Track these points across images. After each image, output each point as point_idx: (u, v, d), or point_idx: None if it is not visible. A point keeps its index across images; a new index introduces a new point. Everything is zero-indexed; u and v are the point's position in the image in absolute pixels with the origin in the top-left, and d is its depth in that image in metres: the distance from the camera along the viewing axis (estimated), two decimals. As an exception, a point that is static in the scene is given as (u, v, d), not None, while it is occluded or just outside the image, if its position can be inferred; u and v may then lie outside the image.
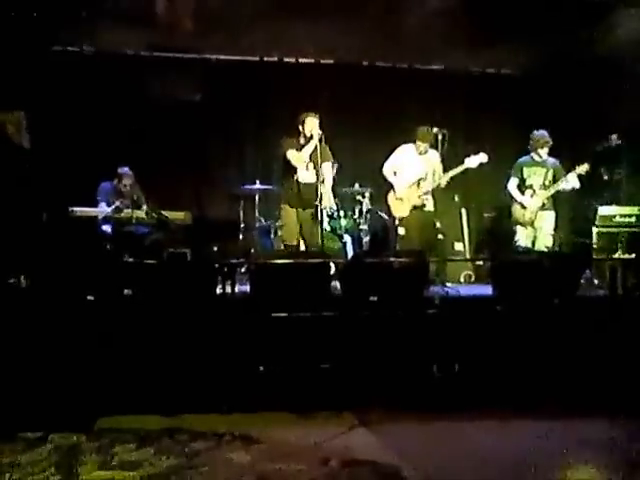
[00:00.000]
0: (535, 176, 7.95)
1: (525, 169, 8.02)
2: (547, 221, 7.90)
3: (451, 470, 3.97)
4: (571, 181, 7.73)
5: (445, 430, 4.68)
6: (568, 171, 7.78)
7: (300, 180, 7.27)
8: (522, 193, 7.97)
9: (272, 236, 8.56)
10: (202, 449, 4.24)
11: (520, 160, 8.08)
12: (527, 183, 7.97)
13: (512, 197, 8.05)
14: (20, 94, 8.17)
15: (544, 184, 7.89)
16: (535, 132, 7.98)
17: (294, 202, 7.30)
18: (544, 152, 7.91)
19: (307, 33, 8.53)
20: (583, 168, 7.70)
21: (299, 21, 8.08)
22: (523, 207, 7.91)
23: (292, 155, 7.23)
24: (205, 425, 4.65)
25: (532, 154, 7.99)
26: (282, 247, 7.53)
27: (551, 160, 7.98)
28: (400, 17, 8.19)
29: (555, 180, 7.85)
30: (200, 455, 4.14)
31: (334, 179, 7.65)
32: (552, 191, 7.81)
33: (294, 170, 7.27)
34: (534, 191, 7.90)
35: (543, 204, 7.87)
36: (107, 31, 8.49)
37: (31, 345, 4.99)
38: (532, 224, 7.89)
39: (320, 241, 7.17)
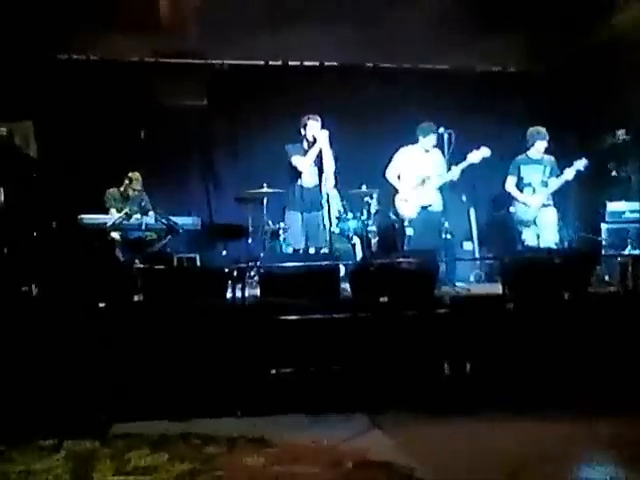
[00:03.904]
0: (533, 174, 7.92)
1: (522, 167, 7.98)
2: (550, 218, 7.86)
3: (465, 470, 3.96)
4: (568, 176, 7.71)
5: (458, 430, 4.67)
6: (566, 167, 7.76)
7: (304, 185, 7.33)
8: (521, 191, 7.95)
9: (281, 239, 8.56)
10: (216, 453, 4.25)
11: (517, 158, 8.05)
12: (525, 181, 7.93)
13: (512, 196, 8.04)
14: (27, 103, 8.22)
15: (543, 181, 7.87)
16: (530, 129, 7.97)
17: (299, 206, 7.34)
18: (541, 148, 7.89)
19: (311, 36, 8.54)
20: (581, 163, 7.67)
21: (303, 24, 8.09)
22: (526, 206, 7.88)
23: (297, 161, 7.29)
24: (218, 429, 4.65)
25: (528, 152, 7.97)
26: (290, 251, 7.56)
27: (547, 157, 7.96)
28: (403, 17, 8.19)
29: (552, 177, 7.83)
30: (214, 459, 4.14)
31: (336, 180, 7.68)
32: (553, 188, 7.78)
33: (299, 175, 7.33)
34: (534, 189, 7.88)
35: (544, 201, 7.85)
36: (112, 38, 8.52)
37: (43, 352, 5.01)
38: (535, 222, 7.86)
39: (327, 243, 7.24)
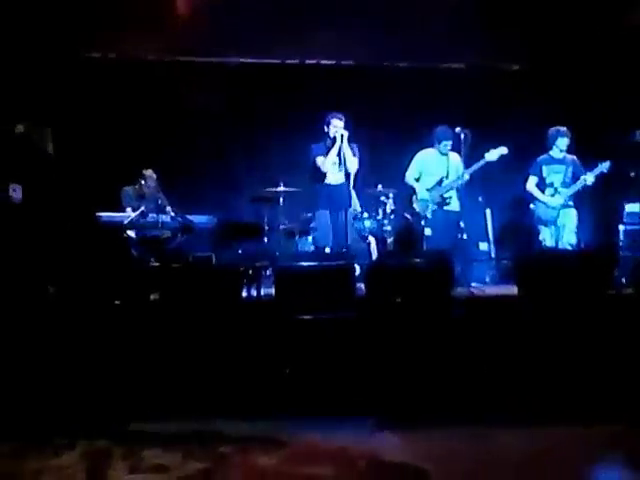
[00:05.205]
0: (555, 174, 7.90)
1: (544, 167, 7.97)
2: (570, 219, 7.85)
3: (479, 474, 3.94)
4: (592, 178, 7.68)
5: (472, 433, 4.63)
6: (589, 168, 7.72)
7: (331, 182, 7.40)
8: (542, 192, 7.92)
9: (296, 238, 8.54)
10: (229, 453, 4.24)
11: (539, 159, 8.04)
12: (547, 181, 7.92)
13: (533, 196, 7.99)
14: (44, 101, 8.25)
15: (565, 182, 7.84)
16: (552, 129, 7.94)
17: (327, 205, 7.40)
18: (564, 147, 7.85)
19: (327, 35, 8.53)
20: (605, 166, 7.64)
21: (320, 23, 8.09)
22: (547, 206, 7.85)
23: (321, 161, 7.42)
24: (232, 429, 4.65)
25: (550, 152, 7.94)
26: (314, 249, 7.62)
27: (569, 157, 7.92)
28: (420, 16, 8.18)
29: (574, 177, 7.80)
30: (228, 459, 4.14)
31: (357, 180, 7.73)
32: (575, 189, 7.75)
33: (324, 174, 7.39)
34: (555, 189, 7.85)
35: (565, 202, 7.81)
36: (129, 37, 8.55)
37: (59, 351, 5.04)
38: (555, 222, 7.83)
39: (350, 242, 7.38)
